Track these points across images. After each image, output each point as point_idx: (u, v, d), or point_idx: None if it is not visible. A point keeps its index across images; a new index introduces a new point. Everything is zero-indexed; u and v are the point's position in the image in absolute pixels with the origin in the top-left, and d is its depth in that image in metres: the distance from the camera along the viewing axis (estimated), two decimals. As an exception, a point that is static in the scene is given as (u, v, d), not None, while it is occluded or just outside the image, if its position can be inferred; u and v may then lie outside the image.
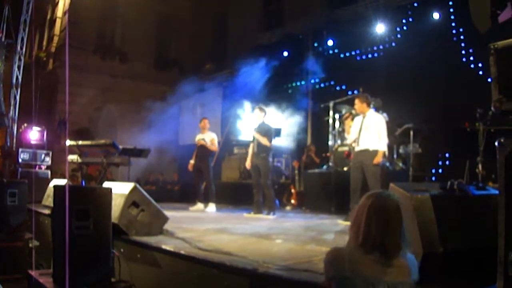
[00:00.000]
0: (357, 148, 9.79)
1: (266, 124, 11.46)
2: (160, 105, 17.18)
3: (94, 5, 17.83)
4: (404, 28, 14.61)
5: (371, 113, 9.82)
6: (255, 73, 16.27)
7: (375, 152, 9.57)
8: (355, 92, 14.51)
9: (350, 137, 10.17)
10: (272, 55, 16.90)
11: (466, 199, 4.22)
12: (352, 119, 10.04)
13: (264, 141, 11.18)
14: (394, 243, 2.99)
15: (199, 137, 12.95)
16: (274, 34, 18.24)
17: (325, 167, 14.20)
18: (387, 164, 11.74)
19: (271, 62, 16.56)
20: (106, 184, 6.97)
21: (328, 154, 14.39)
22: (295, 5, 17.05)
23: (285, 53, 17.46)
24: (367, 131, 9.62)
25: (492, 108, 3.92)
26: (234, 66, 17.94)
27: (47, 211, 9.10)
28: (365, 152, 9.57)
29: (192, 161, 12.95)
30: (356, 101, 9.86)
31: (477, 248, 3.82)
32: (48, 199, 9.46)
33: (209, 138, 12.87)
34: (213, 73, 18.27)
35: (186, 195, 16.22)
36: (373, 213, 3.06)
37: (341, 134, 13.84)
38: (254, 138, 11.43)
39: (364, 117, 9.76)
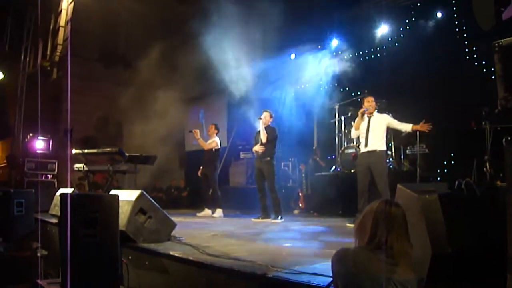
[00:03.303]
0: (363, 149, 9.73)
1: (272, 128, 11.45)
2: (166, 111, 17.17)
3: (97, 13, 17.82)
4: (408, 28, 14.56)
5: (376, 114, 9.81)
6: (260, 76, 16.24)
7: (382, 153, 9.60)
8: (359, 93, 14.55)
9: (355, 133, 10.06)
10: (277, 58, 16.86)
11: (474, 199, 4.19)
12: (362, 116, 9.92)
13: (265, 138, 11.19)
14: (399, 245, 3.02)
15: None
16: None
17: (332, 169, 14.19)
18: (390, 165, 11.72)
19: (274, 65, 16.53)
20: (113, 192, 6.97)
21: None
22: (297, 6, 16.98)
23: (292, 56, 17.42)
24: (374, 132, 9.59)
25: (498, 106, 3.90)
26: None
27: (54, 220, 9.10)
28: (373, 153, 9.53)
29: (201, 167, 12.98)
30: (370, 100, 9.79)
31: (486, 248, 3.79)
32: (55, 208, 9.46)
33: (211, 140, 12.92)
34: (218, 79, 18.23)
35: (194, 201, 16.22)
36: (379, 217, 3.11)
37: (347, 136, 13.83)
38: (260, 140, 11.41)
39: (370, 117, 9.72)
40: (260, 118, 11.40)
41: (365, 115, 9.82)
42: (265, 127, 11.33)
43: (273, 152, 11.37)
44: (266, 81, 16.39)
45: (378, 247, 3.02)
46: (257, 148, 11.34)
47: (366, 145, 9.65)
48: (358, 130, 9.91)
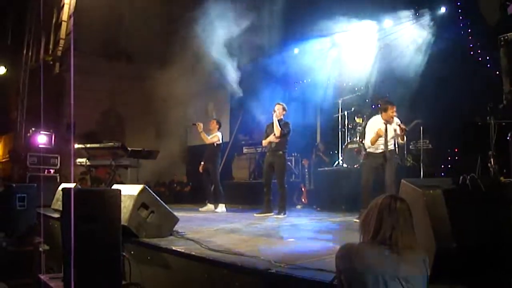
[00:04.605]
0: (378, 150, 9.70)
1: (286, 122, 11.37)
2: (168, 105, 17.16)
3: (99, 7, 17.78)
4: (411, 22, 14.43)
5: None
6: (261, 72, 16.20)
7: (394, 151, 9.89)
8: (362, 88, 14.53)
9: (376, 140, 9.94)
10: (281, 53, 16.80)
11: (478, 194, 4.17)
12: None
13: (278, 132, 11.11)
14: (404, 240, 3.00)
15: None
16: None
17: (335, 164, 14.17)
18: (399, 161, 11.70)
19: (278, 60, 16.48)
20: (115, 187, 6.95)
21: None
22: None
23: (296, 50, 17.31)
24: (390, 134, 9.68)
25: (504, 101, 3.87)
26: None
27: (56, 215, 9.09)
28: (390, 152, 9.60)
29: (202, 163, 12.97)
30: (394, 109, 9.78)
31: (490, 244, 3.77)
32: (57, 202, 9.45)
33: (213, 135, 12.90)
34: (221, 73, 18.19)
35: (196, 196, 16.22)
36: (384, 212, 3.09)
37: (351, 131, 13.79)
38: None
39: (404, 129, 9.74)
40: (274, 111, 11.32)
41: (380, 118, 9.81)
42: (278, 120, 11.25)
43: (286, 147, 11.32)
44: (270, 75, 16.32)
45: (383, 242, 3.01)
46: (272, 139, 11.25)
47: (383, 148, 9.65)
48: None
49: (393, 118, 9.69)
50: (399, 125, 9.66)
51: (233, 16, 13.68)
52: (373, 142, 9.73)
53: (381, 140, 9.70)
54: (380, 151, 9.69)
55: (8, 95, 22.96)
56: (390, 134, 9.68)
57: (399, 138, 9.78)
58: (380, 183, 9.51)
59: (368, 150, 10.02)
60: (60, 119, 18.96)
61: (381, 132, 9.62)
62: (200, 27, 13.84)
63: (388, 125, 9.67)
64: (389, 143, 9.67)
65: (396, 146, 11.32)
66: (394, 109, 9.74)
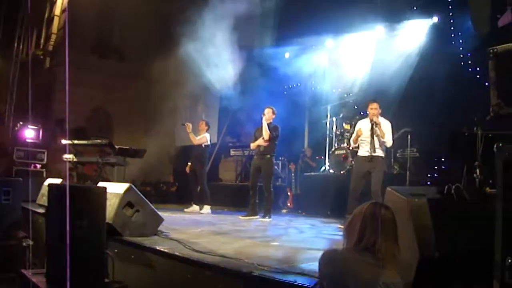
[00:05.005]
0: (365, 154, 9.71)
1: (275, 126, 11.36)
2: (158, 105, 17.13)
3: (92, 3, 17.73)
4: (403, 31, 14.44)
5: (380, 119, 9.77)
6: (251, 74, 16.19)
7: (383, 159, 9.85)
8: (350, 95, 14.56)
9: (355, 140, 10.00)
10: (271, 57, 16.79)
11: (463, 204, 4.19)
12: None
13: (267, 135, 11.10)
14: (387, 248, 3.01)
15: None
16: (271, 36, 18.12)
17: (322, 170, 14.19)
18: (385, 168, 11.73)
19: (268, 64, 16.48)
20: (101, 184, 6.94)
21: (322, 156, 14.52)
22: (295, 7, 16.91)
23: (287, 55, 17.28)
24: (379, 137, 9.62)
25: (491, 113, 3.89)
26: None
27: (41, 210, 9.05)
28: (376, 159, 9.59)
29: (189, 163, 12.96)
30: (377, 106, 9.77)
31: (474, 253, 3.79)
32: (43, 198, 9.43)
33: (201, 136, 12.89)
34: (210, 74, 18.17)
35: (182, 196, 16.20)
36: (368, 219, 3.10)
37: (338, 137, 13.80)
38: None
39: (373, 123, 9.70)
40: (264, 115, 11.31)
41: (369, 121, 9.80)
42: (267, 124, 11.24)
43: (274, 150, 11.33)
44: (260, 79, 16.32)
45: (366, 249, 3.02)
46: (260, 142, 11.24)
47: (368, 150, 9.64)
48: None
49: (376, 116, 9.69)
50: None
51: (226, 17, 13.68)
52: (354, 141, 9.86)
53: (366, 141, 9.72)
54: (366, 154, 9.70)
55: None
56: (377, 137, 9.68)
57: (380, 136, 9.74)
58: (366, 189, 9.53)
59: (358, 153, 10.04)
60: (49, 114, 18.86)
61: (360, 132, 9.67)
62: (193, 27, 13.83)
63: (374, 126, 9.67)
64: (377, 147, 9.67)
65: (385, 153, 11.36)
66: (374, 106, 9.74)
